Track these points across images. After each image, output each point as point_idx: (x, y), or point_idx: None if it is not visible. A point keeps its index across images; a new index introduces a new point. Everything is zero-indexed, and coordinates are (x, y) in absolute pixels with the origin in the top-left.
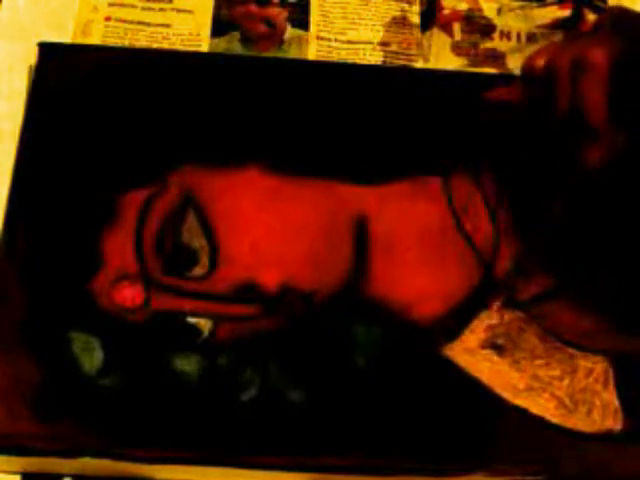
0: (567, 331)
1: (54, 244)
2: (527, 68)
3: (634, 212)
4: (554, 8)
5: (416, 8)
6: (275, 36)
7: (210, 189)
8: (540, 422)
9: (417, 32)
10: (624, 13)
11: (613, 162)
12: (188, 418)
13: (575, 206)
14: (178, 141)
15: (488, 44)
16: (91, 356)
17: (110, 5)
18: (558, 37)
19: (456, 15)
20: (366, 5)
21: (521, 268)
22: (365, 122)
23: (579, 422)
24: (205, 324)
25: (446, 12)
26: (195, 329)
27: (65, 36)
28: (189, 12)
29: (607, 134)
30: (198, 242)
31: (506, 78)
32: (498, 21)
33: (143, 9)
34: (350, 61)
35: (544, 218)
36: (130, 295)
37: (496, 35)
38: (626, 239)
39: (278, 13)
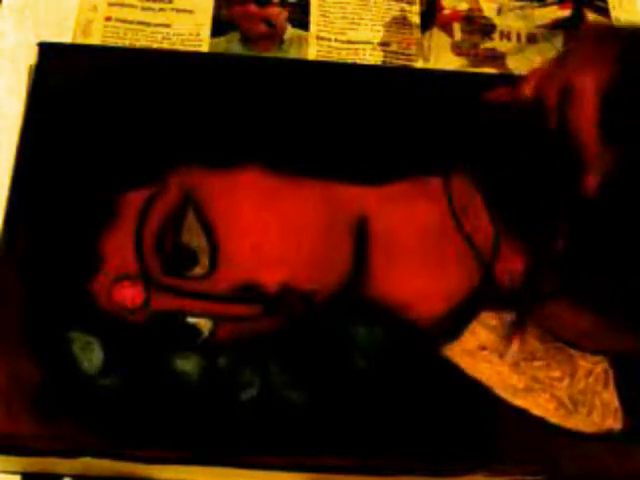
0: (567, 331)
1: (54, 244)
2: (516, 96)
3: (632, 225)
4: (554, 8)
5: (416, 8)
6: (275, 36)
7: (210, 189)
8: (540, 422)
9: (417, 32)
10: (603, 28)
11: (607, 182)
12: (188, 418)
13: (573, 207)
14: (178, 141)
15: (488, 44)
16: (91, 356)
17: (110, 5)
18: (558, 37)
19: (456, 15)
20: (366, 5)
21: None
22: (365, 122)
23: (579, 422)
24: (205, 324)
25: (446, 12)
26: (195, 329)
27: (65, 36)
28: (189, 12)
29: (599, 162)
30: (198, 242)
31: (506, 78)
32: (498, 21)
33: (143, 9)
34: (350, 61)
35: (543, 219)
36: (130, 295)
37: (496, 35)
38: (625, 243)
39: (278, 13)
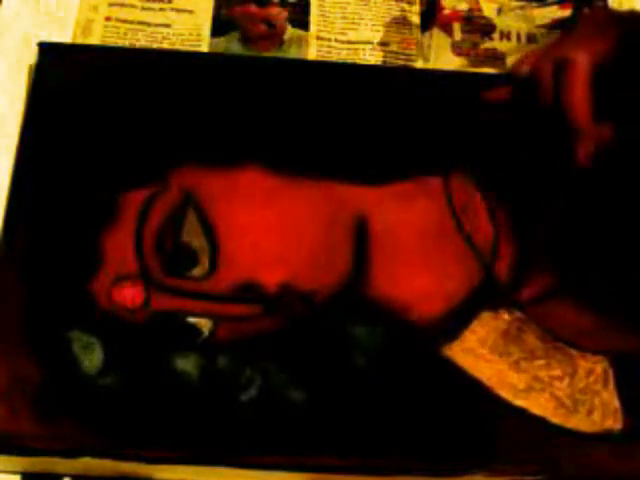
0: (567, 331)
1: (54, 244)
2: (513, 73)
3: (628, 203)
4: (554, 8)
5: (416, 8)
6: (275, 36)
7: (210, 189)
8: (540, 422)
9: (417, 32)
10: (603, 13)
11: (602, 156)
12: (188, 418)
13: (572, 203)
14: (178, 141)
15: (488, 44)
16: (91, 356)
17: (110, 5)
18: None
19: (456, 15)
20: (366, 5)
21: (524, 267)
22: (365, 122)
23: (579, 422)
24: (205, 324)
25: (446, 12)
26: (195, 329)
27: (65, 36)
28: (189, 12)
29: (592, 132)
30: (198, 242)
31: (506, 78)
32: (498, 21)
33: (143, 9)
34: (350, 61)
35: (542, 217)
36: (130, 295)
37: (496, 35)
38: (622, 235)
39: (278, 13)
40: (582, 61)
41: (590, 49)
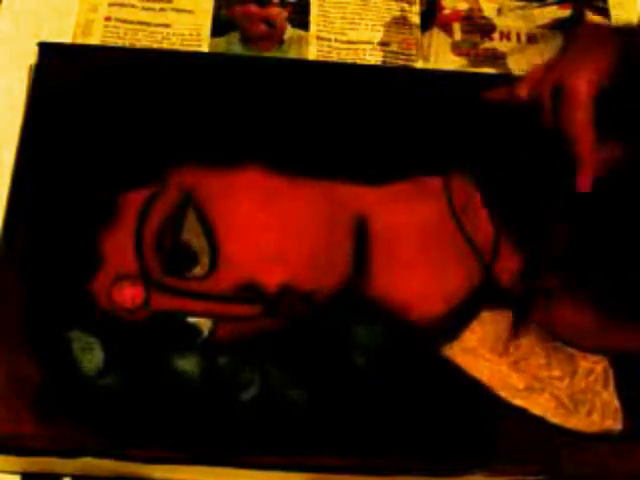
0: (567, 331)
1: (54, 244)
2: (513, 98)
3: (630, 205)
4: (554, 8)
5: (416, 8)
6: (275, 36)
7: (210, 189)
8: (540, 422)
9: (417, 32)
10: (599, 27)
11: (609, 178)
12: (188, 418)
13: (572, 203)
14: (178, 141)
15: (488, 44)
16: (91, 356)
17: (110, 5)
18: (558, 37)
19: (456, 15)
20: (366, 5)
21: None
22: (365, 122)
23: (579, 422)
24: (205, 324)
25: (446, 12)
26: (195, 329)
27: (65, 36)
28: (189, 12)
29: (593, 159)
30: (198, 242)
31: (506, 78)
32: (498, 21)
33: (143, 9)
34: (350, 61)
35: (542, 218)
36: (130, 295)
37: (496, 35)
38: (623, 236)
39: (278, 13)
40: (581, 86)
41: (588, 70)
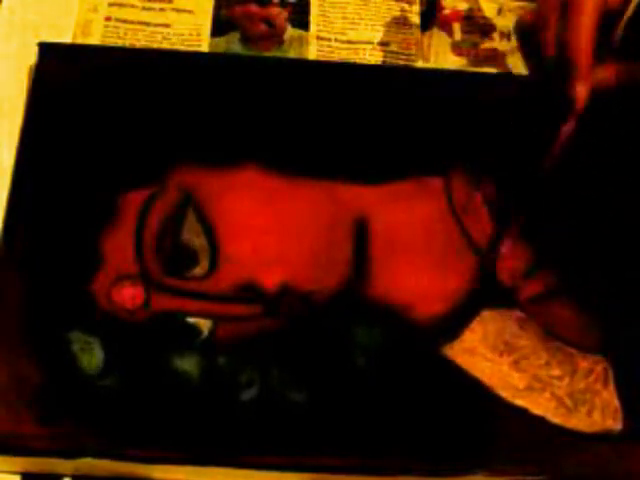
0: (567, 331)
1: (54, 244)
2: (519, 21)
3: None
4: None
5: (416, 8)
6: (275, 36)
7: (210, 189)
8: (540, 422)
9: (417, 32)
10: None
11: (601, 99)
12: (188, 418)
13: (572, 203)
14: (178, 141)
15: (488, 44)
16: (91, 356)
17: (110, 5)
18: None
19: (456, 15)
20: (366, 5)
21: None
22: (365, 122)
23: (579, 422)
24: (205, 324)
25: (446, 12)
26: (195, 329)
27: (65, 36)
28: (189, 12)
29: (591, 72)
30: (198, 242)
31: (506, 78)
32: (498, 21)
33: (143, 9)
34: (350, 61)
35: (542, 217)
36: (130, 295)
37: (496, 35)
38: (622, 234)
39: (278, 13)
40: (588, 1)
41: None
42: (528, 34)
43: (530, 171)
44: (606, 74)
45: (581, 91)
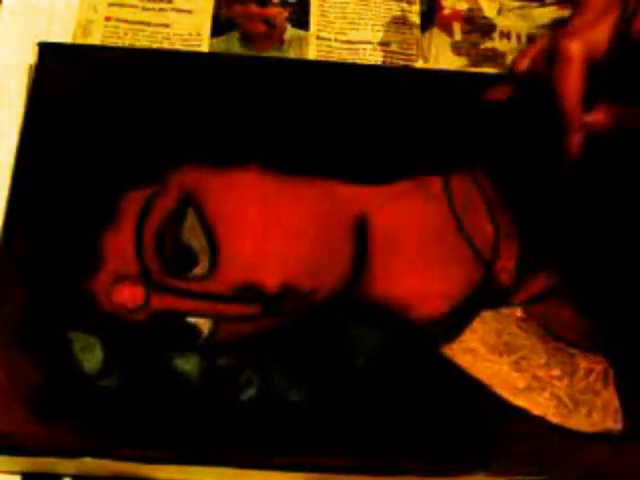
0: (567, 331)
1: (54, 244)
2: (513, 69)
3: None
4: (554, 8)
5: (416, 8)
6: (275, 36)
7: (210, 189)
8: (540, 422)
9: (417, 32)
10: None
11: (598, 144)
12: (188, 418)
13: (571, 202)
14: (178, 141)
15: (488, 44)
16: (91, 356)
17: (110, 5)
18: None
19: (456, 15)
20: (366, 5)
21: (524, 267)
22: (365, 122)
23: (579, 422)
24: (205, 324)
25: (446, 12)
26: (195, 329)
27: (65, 36)
28: (189, 12)
29: (582, 122)
30: (198, 242)
31: (506, 77)
32: (498, 21)
33: (143, 9)
34: (350, 61)
35: (542, 217)
36: (130, 295)
37: (496, 35)
38: (621, 234)
39: (278, 13)
40: (572, 46)
41: (583, 33)
42: (523, 79)
43: (533, 173)
44: (597, 118)
45: (575, 140)
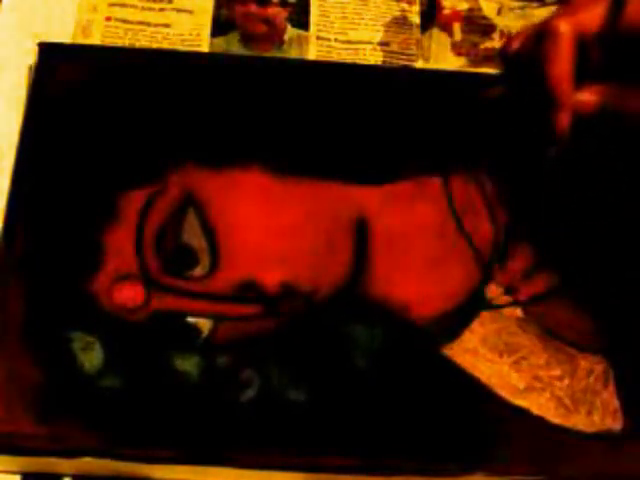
0: (567, 331)
1: (54, 244)
2: (503, 51)
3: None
4: (554, 8)
5: (416, 8)
6: (275, 36)
7: (210, 189)
8: (540, 422)
9: (417, 32)
10: None
11: (584, 124)
12: (188, 418)
13: (571, 202)
14: (178, 141)
15: (488, 44)
16: (91, 356)
17: (110, 5)
18: None
19: (456, 15)
20: (366, 5)
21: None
22: (365, 122)
23: (579, 422)
24: (205, 324)
25: (446, 12)
26: (195, 329)
27: (65, 36)
28: (189, 12)
29: (571, 101)
30: (198, 242)
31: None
32: (498, 21)
33: (143, 9)
34: (350, 61)
35: (542, 217)
36: (130, 295)
37: (496, 35)
38: (621, 234)
39: (278, 13)
40: (562, 25)
41: (573, 15)
42: (513, 62)
43: (530, 170)
44: (586, 98)
45: (563, 117)
